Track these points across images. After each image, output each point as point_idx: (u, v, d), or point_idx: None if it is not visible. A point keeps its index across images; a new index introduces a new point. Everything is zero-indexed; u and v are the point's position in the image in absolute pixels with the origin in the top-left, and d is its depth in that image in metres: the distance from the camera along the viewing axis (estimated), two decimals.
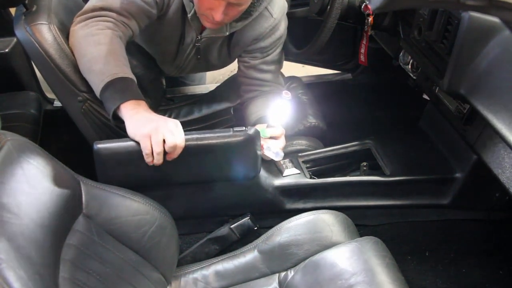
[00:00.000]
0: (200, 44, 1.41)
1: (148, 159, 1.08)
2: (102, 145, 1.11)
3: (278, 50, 1.47)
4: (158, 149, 1.06)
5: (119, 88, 1.13)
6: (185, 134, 1.10)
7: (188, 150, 1.10)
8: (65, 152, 1.25)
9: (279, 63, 1.50)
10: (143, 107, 1.13)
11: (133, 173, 1.15)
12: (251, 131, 1.15)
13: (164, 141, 1.06)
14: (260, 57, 1.45)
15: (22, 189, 0.82)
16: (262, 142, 1.29)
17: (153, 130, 1.06)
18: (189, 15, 1.30)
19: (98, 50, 1.16)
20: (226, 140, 1.14)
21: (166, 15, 1.32)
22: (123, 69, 1.16)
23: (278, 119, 1.33)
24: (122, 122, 1.12)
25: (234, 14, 1.24)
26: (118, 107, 1.11)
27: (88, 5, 1.23)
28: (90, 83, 1.19)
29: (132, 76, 1.17)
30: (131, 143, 1.09)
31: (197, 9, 1.26)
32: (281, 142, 1.33)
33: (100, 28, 1.18)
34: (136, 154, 1.08)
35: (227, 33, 1.35)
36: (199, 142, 1.12)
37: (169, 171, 1.15)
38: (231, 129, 1.16)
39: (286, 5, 1.42)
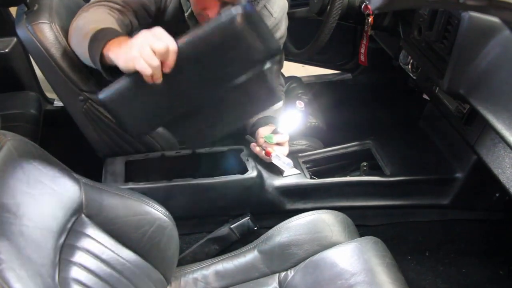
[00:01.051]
0: None
1: (149, 80, 0.95)
2: (105, 93, 1.00)
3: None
4: (152, 62, 0.92)
5: (101, 36, 1.04)
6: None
7: (186, 54, 0.95)
8: (65, 152, 1.25)
9: (279, 63, 1.50)
10: (125, 39, 1.01)
11: (146, 107, 1.02)
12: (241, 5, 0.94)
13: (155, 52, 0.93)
14: None
15: (22, 189, 0.82)
16: (270, 149, 1.29)
17: (138, 47, 0.94)
18: (186, 14, 1.30)
19: (94, 19, 1.11)
20: (222, 22, 0.92)
21: (165, 14, 1.32)
22: (108, 24, 1.08)
23: (287, 127, 1.32)
24: (114, 69, 1.02)
25: None
26: (102, 53, 1.02)
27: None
28: (82, 57, 1.12)
29: (112, 28, 1.08)
30: (129, 76, 0.97)
31: (193, 9, 1.25)
32: (286, 148, 1.33)
33: (93, 11, 1.15)
34: (137, 84, 0.96)
35: None
36: (193, 38, 0.95)
37: (180, 87, 0.99)
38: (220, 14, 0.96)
39: (286, 4, 1.42)
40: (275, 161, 1.30)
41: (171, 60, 0.95)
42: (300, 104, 1.30)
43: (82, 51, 1.10)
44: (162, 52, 0.93)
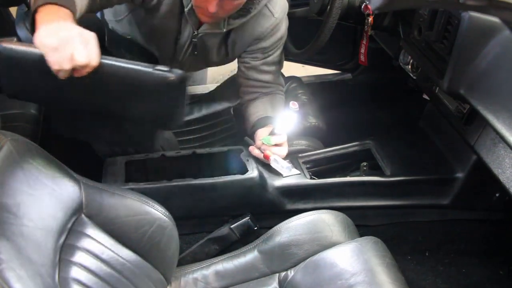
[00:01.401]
0: (197, 40, 1.39)
1: (57, 74, 0.89)
2: (7, 45, 0.94)
3: (279, 51, 1.46)
4: (64, 66, 0.87)
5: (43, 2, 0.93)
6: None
7: (101, 73, 0.93)
8: (65, 152, 1.25)
9: (279, 63, 1.50)
10: (62, 15, 0.92)
11: (38, 84, 0.98)
12: (176, 74, 0.98)
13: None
14: (261, 57, 1.44)
15: (22, 189, 0.82)
16: (268, 152, 1.29)
17: (62, 41, 0.86)
18: (186, 9, 1.30)
19: None
20: (145, 75, 0.96)
21: (159, 9, 1.31)
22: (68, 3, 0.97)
23: (283, 127, 1.33)
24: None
25: (230, 8, 1.23)
26: (35, 16, 0.92)
27: None
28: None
29: (74, 7, 0.98)
30: (38, 51, 0.89)
31: (193, 2, 1.25)
32: (285, 149, 1.34)
33: None
34: (40, 63, 0.88)
35: (224, 30, 1.35)
36: (119, 66, 0.95)
37: (77, 91, 0.97)
38: (153, 66, 0.98)
39: (287, 4, 1.42)
40: (273, 164, 1.31)
41: (83, 73, 0.91)
42: (294, 105, 1.31)
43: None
44: (81, 64, 0.88)
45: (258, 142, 1.35)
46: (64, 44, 0.86)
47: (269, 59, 1.45)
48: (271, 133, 1.32)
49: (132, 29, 1.47)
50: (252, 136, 1.42)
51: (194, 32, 1.37)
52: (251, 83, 1.49)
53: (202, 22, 1.33)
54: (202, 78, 2.06)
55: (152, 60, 1.56)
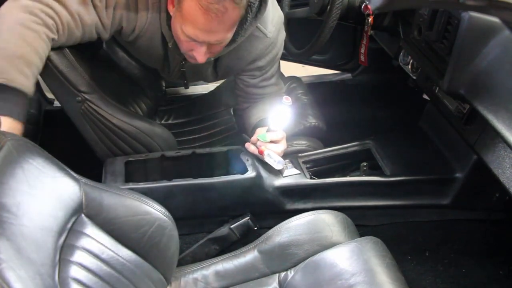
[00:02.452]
0: (186, 68, 1.37)
1: None
2: None
3: (277, 64, 1.44)
4: None
5: (4, 97, 1.01)
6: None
7: None
8: (65, 152, 1.25)
9: (277, 72, 1.47)
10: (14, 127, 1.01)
11: None
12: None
13: None
14: (259, 75, 1.41)
15: (22, 189, 0.82)
16: (263, 147, 1.28)
17: None
18: (170, 45, 1.26)
19: (16, 45, 1.02)
20: None
21: (136, 42, 1.27)
22: (24, 80, 1.05)
23: (278, 123, 1.31)
24: None
25: (217, 50, 1.19)
26: None
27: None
28: None
29: (29, 90, 1.06)
30: None
31: (180, 48, 1.20)
32: (282, 145, 1.31)
33: (37, 22, 1.04)
34: None
35: (212, 59, 1.31)
36: None
37: None
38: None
39: (281, 16, 1.37)
40: (267, 159, 1.29)
41: None
42: (287, 99, 1.30)
43: None
44: None
45: (253, 138, 1.33)
46: None
47: (267, 75, 1.42)
48: (268, 130, 1.32)
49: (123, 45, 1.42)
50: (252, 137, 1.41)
51: (182, 62, 1.34)
52: (251, 97, 1.47)
53: None
54: None
55: (151, 68, 1.53)
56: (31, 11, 1.05)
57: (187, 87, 1.49)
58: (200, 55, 1.15)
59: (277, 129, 1.30)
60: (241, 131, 1.67)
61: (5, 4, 1.06)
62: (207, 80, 1.50)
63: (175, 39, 1.19)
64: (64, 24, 1.11)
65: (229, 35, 1.15)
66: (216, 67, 1.39)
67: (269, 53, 1.36)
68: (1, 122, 0.97)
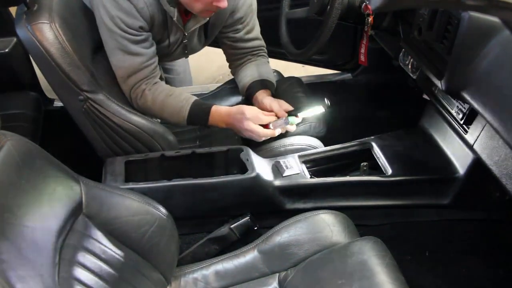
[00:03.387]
0: (187, 40, 1.46)
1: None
2: None
3: (254, 15, 1.54)
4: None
5: (195, 120, 1.43)
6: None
7: None
8: (65, 152, 1.25)
9: (257, 23, 1.57)
10: (220, 116, 1.42)
11: None
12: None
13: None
14: (241, 28, 1.51)
15: (22, 190, 0.82)
16: (271, 125, 1.38)
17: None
18: (174, 18, 1.35)
19: (159, 113, 1.43)
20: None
21: (153, 27, 1.37)
22: (183, 108, 1.40)
23: (307, 114, 1.43)
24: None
25: None
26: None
27: (124, 75, 1.37)
28: (173, 123, 1.47)
29: (189, 98, 1.42)
30: None
31: (197, 8, 1.30)
32: (293, 128, 1.44)
33: (140, 97, 1.39)
34: None
35: (209, 18, 1.42)
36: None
37: None
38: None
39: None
40: (274, 126, 1.38)
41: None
42: (327, 101, 1.42)
43: (174, 120, 1.44)
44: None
45: (265, 103, 1.45)
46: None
47: (249, 26, 1.52)
48: (292, 114, 1.41)
49: None
50: (248, 98, 1.55)
51: (184, 34, 1.43)
52: (239, 52, 1.56)
53: (185, 22, 1.41)
54: (185, 70, 2.07)
55: None
56: (139, 96, 1.40)
57: (187, 57, 1.61)
58: (223, 2, 1.27)
59: (301, 117, 1.43)
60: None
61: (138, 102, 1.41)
62: (194, 50, 1.59)
63: (186, 6, 1.32)
64: (150, 74, 1.39)
65: None
66: (206, 27, 1.49)
67: (244, 3, 1.48)
68: None
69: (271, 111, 1.43)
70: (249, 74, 1.54)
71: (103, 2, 1.28)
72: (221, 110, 1.41)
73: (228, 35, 1.54)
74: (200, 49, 1.61)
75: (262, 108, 1.44)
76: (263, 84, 1.52)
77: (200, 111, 1.41)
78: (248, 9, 1.50)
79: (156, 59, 1.40)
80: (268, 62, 1.63)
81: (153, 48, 1.38)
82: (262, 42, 1.61)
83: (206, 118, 1.40)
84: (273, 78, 1.59)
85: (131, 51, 1.32)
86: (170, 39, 1.44)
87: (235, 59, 1.59)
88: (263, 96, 1.49)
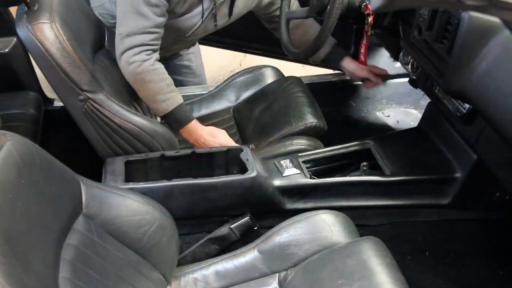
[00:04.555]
0: (215, 10, 1.49)
1: None
2: None
3: None
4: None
5: (172, 119, 1.44)
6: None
7: None
8: (65, 152, 1.25)
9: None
10: (192, 130, 1.46)
11: None
12: None
13: None
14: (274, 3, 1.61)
15: (22, 190, 0.82)
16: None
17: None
18: None
19: (147, 90, 1.40)
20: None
21: (183, 6, 1.41)
22: (171, 100, 1.41)
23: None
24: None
25: None
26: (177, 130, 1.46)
27: (124, 32, 1.34)
28: (150, 107, 1.47)
29: (177, 99, 1.43)
30: None
31: None
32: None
33: (137, 66, 1.35)
34: None
35: None
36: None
37: None
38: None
39: None
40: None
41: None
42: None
43: (151, 106, 1.45)
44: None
45: (360, 74, 1.65)
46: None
47: None
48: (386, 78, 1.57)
49: None
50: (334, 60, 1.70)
51: (215, 4, 1.46)
52: (275, 15, 1.64)
53: None
54: (200, 74, 2.06)
55: None
56: (131, 62, 1.35)
57: (217, 27, 1.61)
58: None
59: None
60: (241, 131, 1.68)
61: (123, 70, 1.38)
62: (225, 18, 1.59)
63: None
64: (151, 45, 1.37)
65: None
66: (232, 8, 1.54)
67: None
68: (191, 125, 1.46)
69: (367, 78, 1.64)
70: (313, 34, 1.52)
71: None
72: (198, 126, 1.47)
73: (262, 12, 1.65)
74: (226, 23, 1.63)
75: (356, 75, 1.64)
76: (340, 50, 1.66)
77: (182, 115, 1.44)
78: None
79: (162, 32, 1.39)
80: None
81: (163, 19, 1.37)
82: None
83: (182, 124, 1.45)
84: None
85: (140, 11, 1.32)
86: (203, 4, 1.45)
87: (276, 20, 1.65)
88: (355, 64, 1.66)
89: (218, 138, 1.47)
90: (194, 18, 1.47)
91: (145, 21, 1.33)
